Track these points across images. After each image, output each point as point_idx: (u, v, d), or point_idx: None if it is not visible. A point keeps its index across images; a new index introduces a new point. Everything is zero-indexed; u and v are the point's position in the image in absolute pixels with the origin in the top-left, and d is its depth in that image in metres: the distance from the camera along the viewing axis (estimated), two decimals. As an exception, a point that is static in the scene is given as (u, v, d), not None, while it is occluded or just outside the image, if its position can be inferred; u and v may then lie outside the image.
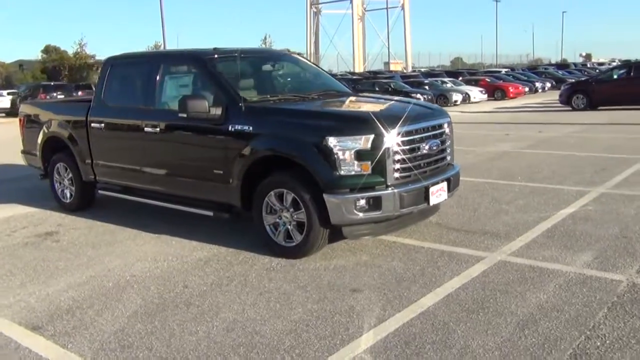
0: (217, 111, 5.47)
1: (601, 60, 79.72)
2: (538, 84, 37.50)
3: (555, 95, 29.23)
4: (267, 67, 6.51)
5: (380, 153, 4.89)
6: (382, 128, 4.91)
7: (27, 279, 5.09)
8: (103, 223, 6.88)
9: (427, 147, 5.24)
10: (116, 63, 6.92)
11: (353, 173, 4.86)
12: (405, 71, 59.63)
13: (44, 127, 7.69)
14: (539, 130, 15.17)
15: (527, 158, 10.47)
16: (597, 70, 49.86)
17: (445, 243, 5.54)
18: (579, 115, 19.64)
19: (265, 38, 60.55)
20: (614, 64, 68.30)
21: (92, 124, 6.79)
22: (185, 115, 5.48)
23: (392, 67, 64.24)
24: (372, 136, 4.87)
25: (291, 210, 5.16)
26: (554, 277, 4.57)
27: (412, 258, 5.15)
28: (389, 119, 5.08)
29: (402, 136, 5.01)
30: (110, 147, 6.75)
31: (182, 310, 4.23)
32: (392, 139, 4.93)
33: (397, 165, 4.99)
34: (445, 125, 5.60)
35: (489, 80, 34.52)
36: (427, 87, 30.05)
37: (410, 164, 5.09)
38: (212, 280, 4.82)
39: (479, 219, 6.35)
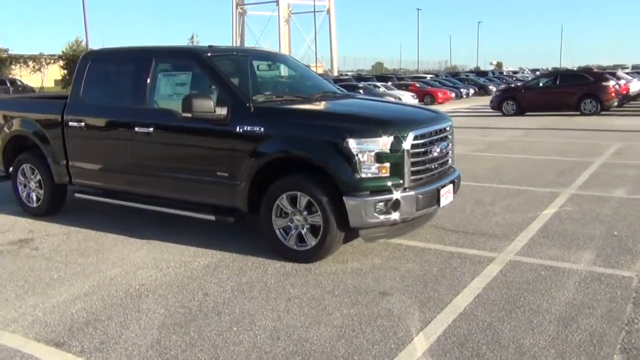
0: (222, 111, 5.27)
1: (510, 69, 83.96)
2: (463, 90, 38.98)
3: (480, 101, 30.64)
4: (263, 66, 6.35)
5: (398, 155, 4.89)
6: (401, 130, 4.92)
7: (21, 290, 4.69)
8: (79, 229, 6.46)
9: (437, 150, 5.30)
10: (97, 58, 6.52)
11: (372, 175, 4.83)
12: (330, 74, 60.10)
13: (5, 126, 7.12)
14: (482, 134, 15.75)
15: (486, 161, 10.84)
16: (513, 78, 52.77)
17: (450, 244, 5.62)
18: (511, 120, 20.61)
19: (192, 38, 59.13)
20: (526, 72, 72.42)
21: (70, 123, 6.36)
22: (190, 115, 5.25)
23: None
24: (391, 138, 4.87)
25: (305, 213, 5.05)
26: (568, 275, 4.74)
27: (425, 260, 5.18)
28: (406, 121, 5.11)
29: (418, 139, 5.04)
30: (91, 147, 6.35)
31: (214, 320, 4.04)
32: (410, 141, 4.95)
33: (414, 168, 5.01)
34: (449, 129, 5.68)
35: (418, 85, 35.52)
36: (361, 91, 30.44)
37: (424, 167, 5.13)
38: (232, 287, 4.63)
39: (471, 220, 6.49)
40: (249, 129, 5.18)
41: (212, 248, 5.62)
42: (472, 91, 40.40)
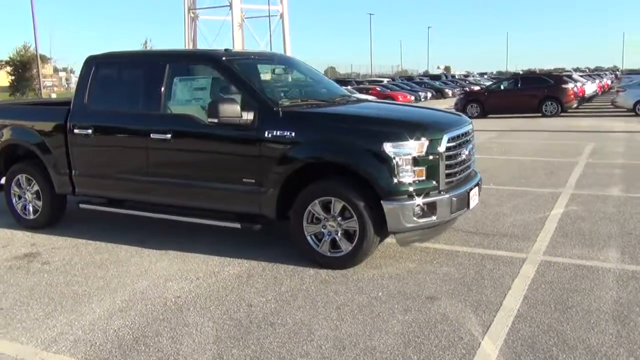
0: (248, 116, 5.13)
1: (458, 73, 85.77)
2: (422, 94, 39.57)
3: (439, 104, 31.05)
4: (279, 70, 6.22)
5: (434, 159, 4.88)
6: (436, 133, 4.91)
7: (48, 307, 4.42)
8: (86, 241, 6.17)
9: (466, 152, 5.32)
10: (102, 63, 6.23)
11: (409, 179, 4.80)
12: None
13: (-4, 134, 6.74)
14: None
15: (473, 163, 10.97)
16: (466, 81, 53.97)
17: (476, 246, 5.64)
18: (477, 122, 20.91)
19: (146, 42, 57.94)
20: (476, 76, 74.13)
21: (75, 130, 6.06)
22: (216, 121, 5.09)
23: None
24: (427, 142, 4.85)
25: (339, 219, 4.97)
26: (603, 273, 4.82)
27: (458, 263, 5.18)
28: (440, 124, 5.10)
29: (451, 141, 5.04)
30: (99, 155, 6.08)
31: (269, 331, 3.90)
32: (445, 144, 4.94)
33: (447, 171, 5.00)
34: (471, 131, 5.71)
35: (379, 89, 35.86)
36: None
37: (455, 169, 5.13)
38: (273, 297, 4.50)
39: (485, 222, 6.54)
40: (278, 133, 5.05)
41: (236, 257, 5.46)
42: (429, 94, 41.05)
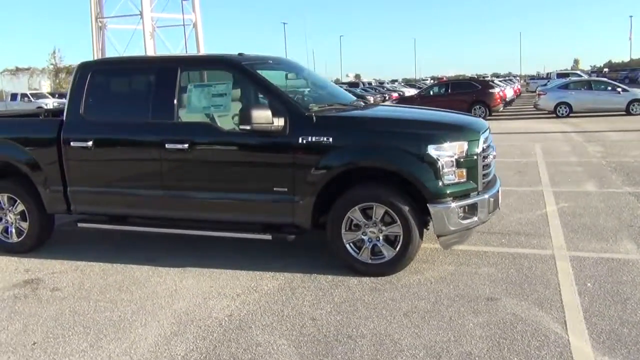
0: (279, 122, 4.93)
1: (366, 80, 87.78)
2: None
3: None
4: (292, 75, 6.02)
5: (473, 160, 4.90)
6: (474, 135, 4.95)
7: (90, 338, 4.01)
8: (86, 262, 5.68)
9: (494, 153, 5.38)
10: (100, 70, 5.76)
11: (452, 181, 4.79)
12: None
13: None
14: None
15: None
16: (384, 88, 55.34)
17: (498, 246, 5.72)
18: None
19: (54, 52, 54.95)
20: (389, 83, 76.15)
21: (72, 144, 5.57)
22: (248, 128, 4.85)
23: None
24: (466, 143, 4.86)
25: (380, 225, 4.87)
26: (634, 265, 5.02)
27: (493, 262, 5.22)
28: (474, 125, 5.14)
29: (484, 143, 5.09)
30: (101, 170, 5.61)
31: (352, 344, 3.74)
32: (481, 145, 4.98)
33: (484, 171, 5.04)
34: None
35: (306, 97, 35.93)
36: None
37: (488, 170, 5.19)
38: (332, 309, 4.32)
39: (492, 221, 6.62)
40: (314, 139, 4.89)
41: (262, 270, 5.22)
42: (354, 102, 41.60)
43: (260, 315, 4.27)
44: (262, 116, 4.82)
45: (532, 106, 25.21)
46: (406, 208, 4.75)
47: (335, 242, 4.98)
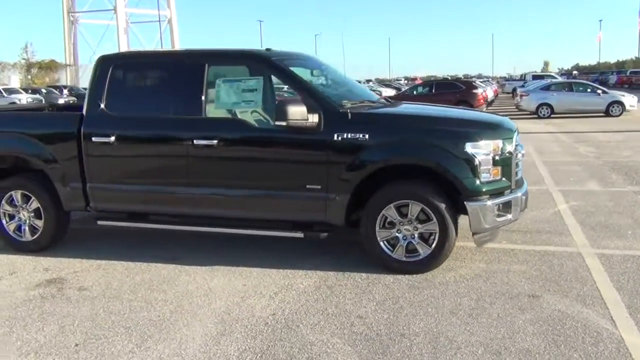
0: (313, 118, 4.88)
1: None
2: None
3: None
4: (317, 72, 5.95)
5: (507, 157, 4.92)
6: (508, 133, 4.98)
7: (134, 338, 3.91)
8: (107, 261, 5.53)
9: (522, 152, 5.41)
10: (122, 64, 5.62)
11: (488, 179, 4.80)
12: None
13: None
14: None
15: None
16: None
17: (523, 243, 5.76)
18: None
19: (26, 47, 53.66)
20: (364, 83, 76.34)
21: (93, 139, 5.42)
22: (284, 124, 4.79)
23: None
24: (501, 141, 4.88)
25: (415, 222, 4.86)
26: (661, 261, 5.11)
27: (522, 260, 5.25)
28: (506, 124, 5.17)
29: (516, 141, 5.12)
30: (125, 166, 5.49)
31: (408, 343, 3.71)
32: (514, 143, 5.01)
33: (516, 169, 5.07)
34: None
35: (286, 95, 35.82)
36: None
37: (519, 168, 5.22)
38: (376, 307, 4.29)
39: (508, 219, 6.69)
40: (349, 136, 4.85)
41: (294, 268, 5.16)
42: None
43: (304, 314, 4.21)
44: (298, 112, 4.76)
45: (513, 106, 25.56)
46: (443, 205, 4.75)
47: (370, 240, 4.94)
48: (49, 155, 5.62)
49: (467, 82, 25.84)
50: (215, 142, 5.10)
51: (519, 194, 5.00)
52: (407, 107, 5.75)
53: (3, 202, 5.87)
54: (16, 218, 5.89)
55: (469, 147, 4.71)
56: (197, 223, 5.46)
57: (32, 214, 5.83)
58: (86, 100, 5.58)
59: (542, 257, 5.31)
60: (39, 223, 5.82)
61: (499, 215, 4.85)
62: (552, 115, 22.74)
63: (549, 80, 29.26)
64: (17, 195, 5.83)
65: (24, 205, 5.84)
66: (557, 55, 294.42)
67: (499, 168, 4.85)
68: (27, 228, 5.87)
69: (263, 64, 5.29)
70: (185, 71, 5.35)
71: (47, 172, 5.67)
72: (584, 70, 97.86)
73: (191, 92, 5.25)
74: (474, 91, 23.68)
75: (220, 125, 5.23)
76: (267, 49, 5.52)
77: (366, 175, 4.85)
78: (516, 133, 5.16)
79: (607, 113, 22.50)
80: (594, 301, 4.26)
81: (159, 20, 68.10)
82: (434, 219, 4.78)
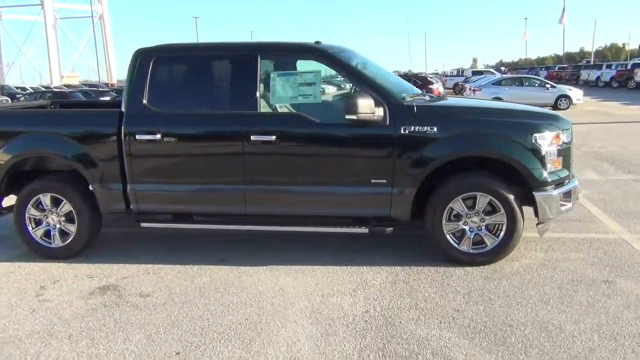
0: (379, 112, 4.82)
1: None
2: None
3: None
4: (361, 65, 5.82)
5: (567, 148, 5.04)
6: (566, 124, 5.10)
7: (236, 342, 3.74)
8: (152, 265, 5.25)
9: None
10: (164, 58, 5.31)
11: (552, 169, 4.89)
12: (114, 85, 55.94)
13: (5, 146, 5.44)
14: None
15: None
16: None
17: (564, 232, 5.89)
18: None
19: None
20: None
21: (137, 137, 5.13)
22: (355, 118, 4.70)
23: (68, 81, 58.48)
24: (560, 132, 4.99)
25: (482, 214, 4.89)
26: (702, 244, 5.38)
27: (575, 248, 5.38)
28: (563, 116, 5.27)
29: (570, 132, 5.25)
30: (173, 165, 5.22)
31: (520, 333, 3.73)
32: (570, 134, 5.14)
33: (570, 160, 5.20)
34: None
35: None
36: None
37: (572, 159, 5.35)
38: (467, 299, 4.29)
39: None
40: (417, 129, 4.81)
41: (355, 264, 5.08)
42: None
43: (397, 309, 4.15)
44: (367, 106, 4.69)
45: (467, 101, 26.25)
46: (512, 197, 4.80)
47: (436, 234, 4.93)
48: (86, 155, 5.27)
49: (423, 78, 26.40)
50: (273, 137, 4.94)
51: (577, 183, 5.12)
52: (464, 101, 5.77)
53: (29, 206, 5.46)
54: (44, 223, 5.49)
55: (537, 138, 4.78)
56: (249, 222, 5.27)
57: (63, 218, 5.46)
58: (125, 96, 5.27)
59: (590, 244, 5.47)
60: (72, 228, 5.45)
61: (562, 205, 4.95)
62: (506, 110, 23.50)
63: (498, 75, 30.21)
64: (46, 198, 5.44)
65: (53, 209, 5.45)
66: (483, 53, 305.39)
67: (561, 158, 4.95)
68: (57, 233, 5.49)
69: (319, 58, 5.15)
70: (237, 65, 5.14)
71: (82, 173, 5.32)
72: (509, 67, 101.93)
73: (245, 86, 5.05)
74: (430, 86, 24.21)
75: (278, 120, 5.09)
76: (317, 42, 5.40)
77: (434, 168, 4.83)
78: (570, 126, 5.28)
79: (555, 106, 23.46)
80: (672, 286, 4.42)
81: (92, 16, 65.86)
82: (502, 210, 4.82)
